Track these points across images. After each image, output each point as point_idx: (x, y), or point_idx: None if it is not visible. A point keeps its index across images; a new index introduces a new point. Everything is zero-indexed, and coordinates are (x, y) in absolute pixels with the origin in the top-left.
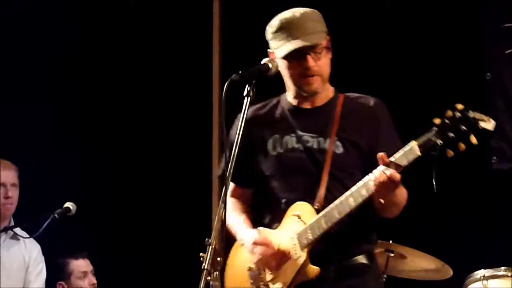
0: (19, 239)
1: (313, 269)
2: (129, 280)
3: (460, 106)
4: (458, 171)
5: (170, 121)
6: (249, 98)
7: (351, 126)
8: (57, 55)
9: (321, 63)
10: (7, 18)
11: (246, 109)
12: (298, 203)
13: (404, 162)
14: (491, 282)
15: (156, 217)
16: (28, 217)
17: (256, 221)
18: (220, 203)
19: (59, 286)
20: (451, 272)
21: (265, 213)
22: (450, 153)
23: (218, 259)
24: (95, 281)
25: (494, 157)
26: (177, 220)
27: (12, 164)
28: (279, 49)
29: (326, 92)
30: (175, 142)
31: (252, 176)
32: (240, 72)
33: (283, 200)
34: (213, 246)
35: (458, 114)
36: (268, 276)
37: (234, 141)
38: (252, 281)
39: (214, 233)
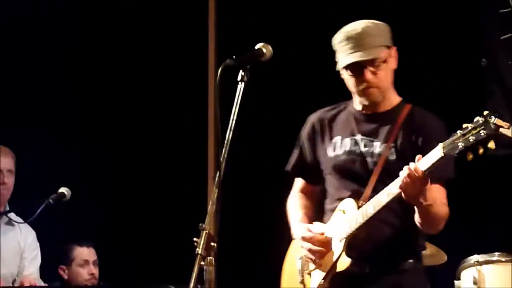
0: (14, 225)
1: (345, 262)
2: (125, 265)
3: (485, 112)
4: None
5: (166, 107)
6: (243, 83)
7: (409, 138)
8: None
9: (380, 76)
10: (7, 18)
11: (241, 94)
12: (346, 199)
13: (428, 164)
14: (485, 267)
15: (151, 203)
16: (24, 203)
17: (317, 217)
18: (214, 188)
19: (60, 270)
20: (445, 258)
21: (324, 208)
22: (470, 156)
23: (212, 244)
24: (94, 272)
25: None
26: (171, 206)
27: (10, 151)
28: (340, 60)
29: (389, 101)
30: (171, 127)
31: (318, 173)
32: (234, 57)
33: (336, 198)
34: (207, 231)
35: (481, 120)
36: (311, 265)
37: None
38: (299, 268)
39: (208, 218)
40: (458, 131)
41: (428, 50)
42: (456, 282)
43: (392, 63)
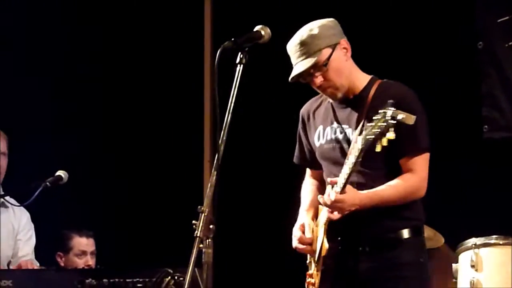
0: (8, 207)
1: (325, 247)
2: (122, 249)
3: (388, 102)
4: (449, 140)
5: (162, 90)
6: (241, 65)
7: None
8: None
9: (330, 76)
10: (6, 17)
11: (239, 77)
12: (329, 186)
13: (352, 160)
14: (483, 250)
15: (148, 186)
16: (21, 186)
17: None
18: (213, 170)
19: (58, 256)
20: (442, 240)
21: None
22: (378, 147)
23: (211, 226)
24: (91, 263)
25: (486, 126)
26: (168, 189)
27: (2, 133)
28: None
29: (357, 84)
30: (167, 111)
31: (317, 160)
32: (232, 39)
33: (327, 183)
34: (205, 214)
35: (382, 111)
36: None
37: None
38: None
39: (206, 201)
40: (369, 124)
41: (424, 33)
42: (453, 265)
43: (341, 57)
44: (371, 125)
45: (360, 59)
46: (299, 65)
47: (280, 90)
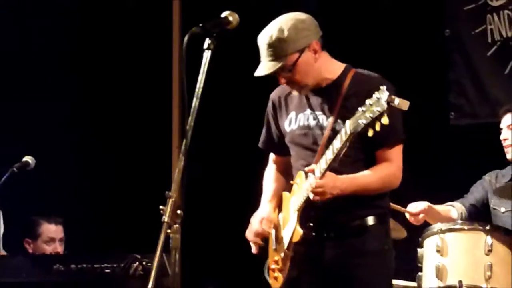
0: None
1: (298, 233)
2: (91, 235)
3: (381, 87)
4: (416, 128)
5: (131, 76)
6: (210, 51)
7: (353, 106)
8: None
9: (297, 78)
10: (6, 17)
11: (207, 63)
12: (300, 171)
13: (338, 145)
14: (448, 235)
15: (116, 172)
16: None
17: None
18: (180, 155)
19: (26, 243)
20: (405, 233)
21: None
22: (370, 131)
23: (178, 212)
24: (59, 250)
25: (452, 113)
26: (136, 174)
27: None
28: None
29: (330, 75)
30: (135, 97)
31: (286, 146)
32: (200, 25)
33: (296, 168)
34: (173, 199)
35: (376, 96)
36: (278, 239)
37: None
38: (273, 237)
39: (174, 186)
40: (360, 108)
41: (392, 21)
42: (419, 250)
43: (309, 60)
44: (362, 110)
45: (329, 46)
46: (265, 66)
47: (249, 76)
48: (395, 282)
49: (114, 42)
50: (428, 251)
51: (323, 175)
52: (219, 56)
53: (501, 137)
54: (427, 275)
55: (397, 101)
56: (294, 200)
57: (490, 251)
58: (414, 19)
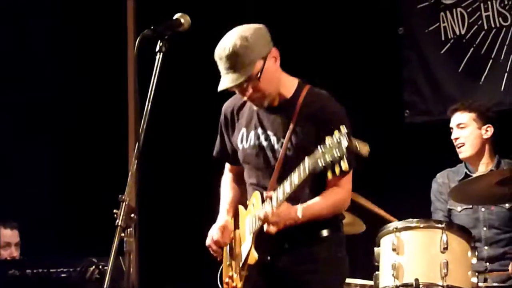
0: None
1: (253, 256)
2: (45, 238)
3: (342, 129)
4: (371, 125)
5: (86, 78)
6: (161, 54)
7: (305, 131)
8: None
9: (260, 87)
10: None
11: (159, 65)
12: (255, 192)
13: (296, 181)
14: (404, 233)
15: (72, 174)
16: None
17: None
18: (133, 159)
19: None
20: (364, 227)
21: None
22: (330, 174)
23: (132, 215)
24: (15, 255)
25: (407, 111)
26: (93, 177)
27: None
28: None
29: (284, 91)
30: (92, 98)
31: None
32: (152, 27)
33: (249, 182)
34: (126, 203)
35: (336, 139)
36: (233, 254)
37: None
38: (228, 253)
39: (127, 189)
40: (320, 147)
41: (345, 19)
42: (375, 248)
43: (272, 67)
44: (322, 151)
45: (282, 50)
46: (230, 78)
47: (202, 79)
48: (352, 281)
49: (70, 43)
50: (384, 249)
51: (279, 206)
52: (176, 58)
53: (452, 137)
54: (384, 273)
55: (356, 148)
56: (249, 221)
57: (445, 248)
58: (368, 18)
